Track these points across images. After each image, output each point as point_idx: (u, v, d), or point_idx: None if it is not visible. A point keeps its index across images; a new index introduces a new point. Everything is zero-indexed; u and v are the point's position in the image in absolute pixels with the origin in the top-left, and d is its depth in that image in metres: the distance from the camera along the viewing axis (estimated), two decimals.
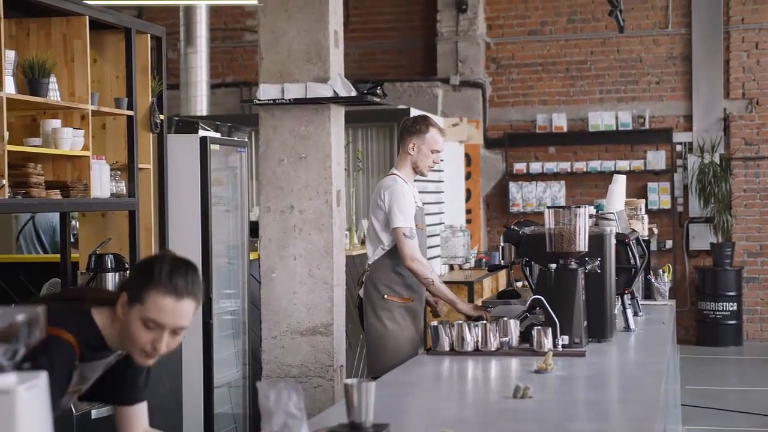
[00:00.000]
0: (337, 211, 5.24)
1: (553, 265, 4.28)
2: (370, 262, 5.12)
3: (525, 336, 4.23)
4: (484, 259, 10.23)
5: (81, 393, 2.83)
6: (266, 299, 5.26)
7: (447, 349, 4.18)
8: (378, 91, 5.28)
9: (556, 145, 12.39)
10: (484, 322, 4.24)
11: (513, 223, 5.18)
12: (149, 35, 5.92)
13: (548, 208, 4.38)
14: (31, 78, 4.91)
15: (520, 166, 12.32)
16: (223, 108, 12.12)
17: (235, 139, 7.17)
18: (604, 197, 5.96)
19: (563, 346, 4.14)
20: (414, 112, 8.05)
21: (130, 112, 5.62)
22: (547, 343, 4.10)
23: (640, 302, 5.42)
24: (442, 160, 5.35)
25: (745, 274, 11.88)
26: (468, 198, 11.60)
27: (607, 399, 3.60)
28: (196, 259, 6.04)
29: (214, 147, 6.29)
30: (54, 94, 5.03)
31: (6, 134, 4.62)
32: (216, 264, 6.35)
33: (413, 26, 12.83)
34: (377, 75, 11.97)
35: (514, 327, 4.22)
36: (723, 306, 11.59)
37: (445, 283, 5.30)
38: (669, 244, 11.99)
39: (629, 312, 4.90)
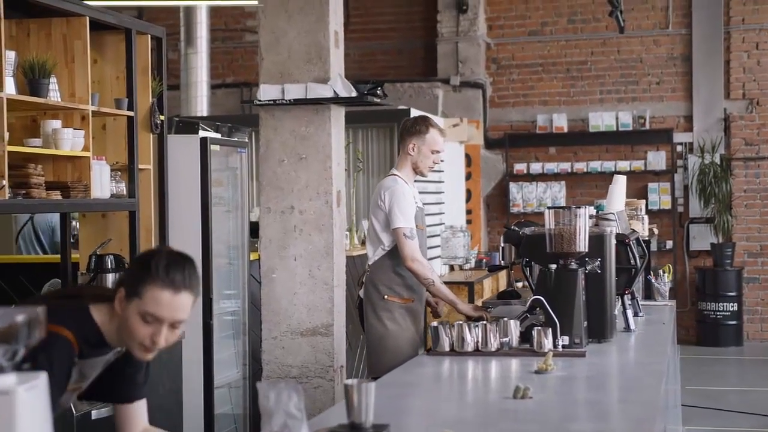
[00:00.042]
0: (337, 212, 5.24)
1: (554, 266, 4.28)
2: (370, 263, 5.12)
3: (525, 336, 4.23)
4: (484, 260, 10.23)
5: (81, 391, 2.83)
6: (266, 300, 5.26)
7: (447, 349, 4.18)
8: (378, 92, 5.28)
9: (557, 146, 12.39)
10: (485, 322, 4.24)
11: (513, 223, 5.18)
12: (149, 36, 5.92)
13: (548, 208, 4.38)
14: (32, 78, 4.91)
15: (520, 167, 12.33)
16: (223, 108, 12.12)
17: (236, 139, 7.17)
18: (605, 198, 5.96)
19: (563, 346, 4.14)
20: (414, 113, 8.06)
21: (131, 113, 5.62)
22: (547, 343, 4.10)
23: (640, 303, 5.42)
24: (442, 161, 5.35)
25: (745, 275, 11.89)
26: (468, 198, 11.60)
27: (607, 399, 3.60)
28: (197, 259, 6.02)
29: (214, 147, 6.29)
30: (54, 94, 5.04)
31: (6, 135, 4.62)
32: (216, 264, 6.35)
33: (413, 27, 12.83)
34: (377, 75, 11.97)
35: (514, 327, 4.22)
36: (723, 306, 11.59)
37: (446, 283, 5.30)
38: (669, 244, 11.99)
39: (629, 312, 4.90)
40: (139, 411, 2.95)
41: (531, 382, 3.41)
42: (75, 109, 5.21)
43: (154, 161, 5.94)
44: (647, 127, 12.11)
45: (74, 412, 4.64)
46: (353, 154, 9.13)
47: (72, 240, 5.86)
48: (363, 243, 7.41)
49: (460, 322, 4.26)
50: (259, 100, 5.21)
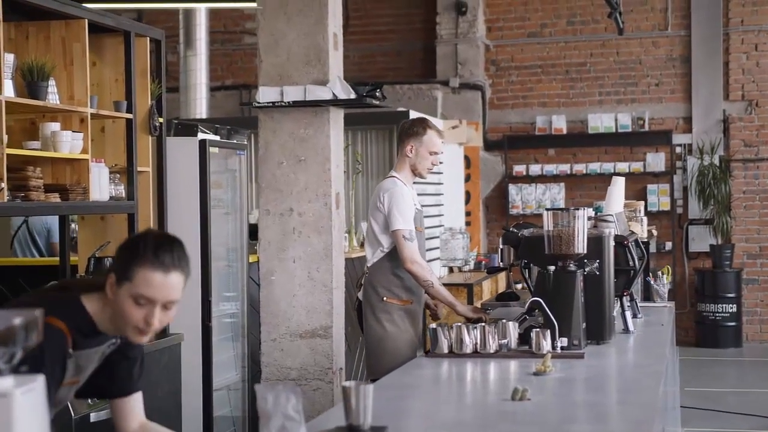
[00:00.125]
0: (336, 214, 5.25)
1: (552, 267, 4.28)
2: (369, 265, 5.12)
3: (524, 338, 4.23)
4: (483, 261, 10.23)
5: (79, 387, 2.83)
6: (265, 302, 5.26)
7: (446, 351, 4.18)
8: (377, 94, 5.28)
9: (556, 147, 12.40)
10: (483, 324, 4.24)
11: (512, 225, 5.18)
12: (148, 38, 5.92)
13: (547, 210, 4.38)
14: (30, 81, 4.91)
15: (519, 168, 12.33)
16: (222, 111, 12.13)
17: (235, 141, 7.16)
18: (604, 199, 5.96)
19: (562, 348, 4.14)
20: (413, 115, 8.06)
21: (130, 115, 5.62)
22: (546, 345, 4.10)
23: (639, 304, 5.42)
24: (441, 162, 5.36)
25: (744, 276, 11.89)
26: (467, 200, 11.60)
27: (606, 401, 3.60)
28: (196, 262, 6.04)
29: (213, 150, 6.29)
30: (53, 97, 5.04)
31: (5, 137, 4.63)
32: (215, 267, 6.35)
33: (413, 29, 12.84)
34: (377, 77, 11.97)
35: (513, 329, 4.22)
36: (722, 308, 11.59)
37: (445, 285, 5.30)
38: (668, 245, 12.00)
39: (628, 314, 4.90)
40: (135, 405, 2.96)
41: (529, 384, 3.41)
42: (74, 112, 5.22)
43: (153, 163, 5.94)
44: (646, 128, 12.12)
45: (73, 414, 4.65)
46: (352, 156, 9.13)
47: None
48: (362, 245, 7.41)
49: (459, 323, 4.26)
50: (258, 103, 5.21)
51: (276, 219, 5.24)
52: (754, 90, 12.02)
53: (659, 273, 6.38)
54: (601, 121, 12.18)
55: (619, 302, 4.87)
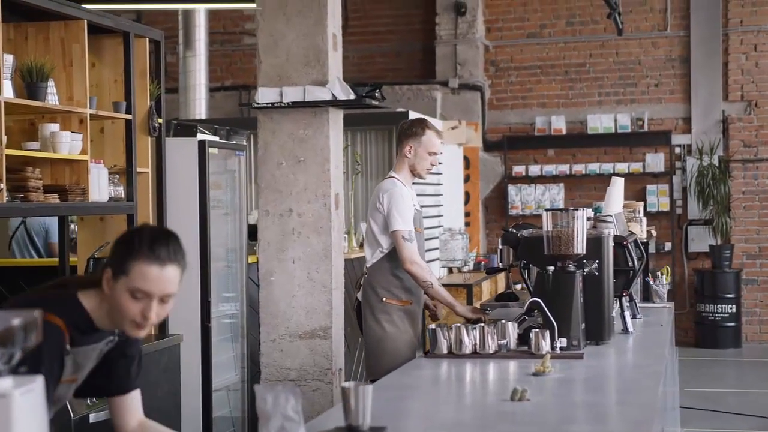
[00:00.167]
0: (335, 215, 5.25)
1: (551, 268, 4.28)
2: (368, 265, 5.13)
3: (523, 338, 4.23)
4: (482, 262, 10.24)
5: (77, 385, 2.83)
6: (265, 302, 5.26)
7: (445, 351, 4.18)
8: (376, 95, 5.29)
9: (555, 148, 12.40)
10: (483, 324, 4.24)
11: (511, 225, 5.18)
12: (148, 39, 5.92)
13: (546, 210, 4.38)
14: (30, 82, 4.91)
15: (518, 169, 12.33)
16: (221, 111, 12.13)
17: (234, 142, 7.17)
18: (603, 200, 5.96)
19: (561, 348, 4.14)
20: (413, 115, 8.06)
21: (129, 116, 5.63)
22: (545, 345, 4.10)
23: (638, 305, 5.42)
24: (440, 163, 5.36)
25: (744, 276, 11.89)
26: (467, 201, 11.60)
27: (605, 401, 3.60)
28: (195, 262, 6.04)
29: (212, 150, 6.29)
30: (52, 98, 5.04)
31: (4, 138, 4.63)
32: (215, 267, 6.35)
33: (412, 29, 12.84)
34: (376, 78, 11.97)
35: (512, 329, 4.22)
36: (722, 308, 11.59)
37: (444, 285, 5.30)
38: (668, 246, 12.00)
39: (627, 314, 4.90)
40: (134, 402, 2.96)
41: (529, 385, 3.41)
42: (73, 113, 5.22)
43: (152, 164, 5.94)
44: (646, 129, 12.12)
45: (72, 415, 4.64)
46: (351, 156, 9.13)
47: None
48: (361, 245, 7.41)
49: (458, 324, 4.26)
50: (258, 103, 5.21)
51: (275, 219, 5.24)
52: (753, 90, 12.02)
53: (658, 273, 6.38)
54: (600, 122, 12.18)
55: (618, 303, 4.87)
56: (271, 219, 5.25)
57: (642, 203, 7.12)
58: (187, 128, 6.92)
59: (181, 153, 6.15)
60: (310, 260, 5.20)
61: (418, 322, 5.17)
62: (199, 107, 10.96)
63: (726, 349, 11.51)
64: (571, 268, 4.29)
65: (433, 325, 4.28)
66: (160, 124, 5.93)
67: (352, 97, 5.14)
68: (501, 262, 4.87)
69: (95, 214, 5.60)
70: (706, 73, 12.02)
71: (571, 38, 12.41)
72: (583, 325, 4.28)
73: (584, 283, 4.33)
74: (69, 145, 5.09)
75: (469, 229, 11.31)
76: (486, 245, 12.22)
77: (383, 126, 9.76)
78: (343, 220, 5.46)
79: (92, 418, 4.77)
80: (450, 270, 9.79)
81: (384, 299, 5.05)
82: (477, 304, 7.55)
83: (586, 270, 4.38)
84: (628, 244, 4.93)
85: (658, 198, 12.01)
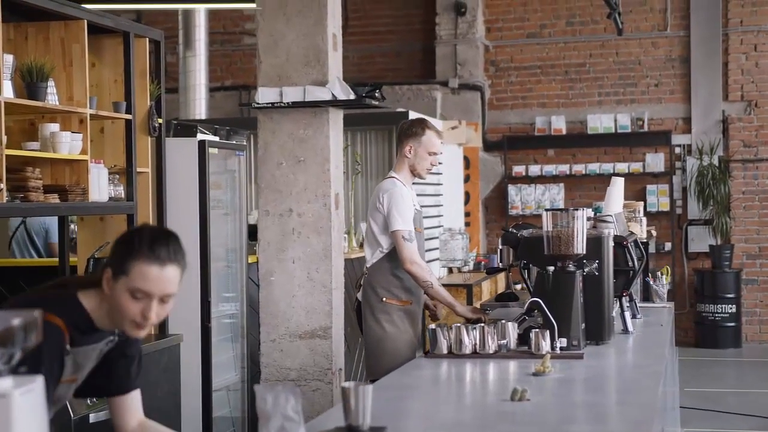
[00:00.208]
0: (335, 215, 5.25)
1: (551, 268, 4.28)
2: (368, 265, 5.13)
3: (523, 338, 4.23)
4: (482, 262, 10.24)
5: (78, 385, 2.83)
6: (265, 302, 5.26)
7: (445, 351, 4.18)
8: (376, 95, 5.29)
9: (555, 148, 12.40)
10: (483, 324, 4.24)
11: (511, 225, 5.18)
12: (148, 39, 5.92)
13: (546, 210, 4.38)
14: (30, 82, 4.91)
15: (518, 169, 12.33)
16: (221, 111, 12.13)
17: (234, 142, 7.17)
18: (603, 200, 5.96)
19: (561, 348, 4.14)
20: (413, 115, 8.06)
21: (129, 116, 5.63)
22: (545, 345, 4.10)
23: (638, 305, 5.42)
24: (440, 163, 5.36)
25: (744, 276, 11.89)
26: (467, 201, 11.61)
27: (605, 401, 3.60)
28: (195, 262, 6.04)
29: (212, 150, 6.29)
30: (52, 98, 5.04)
31: (4, 138, 4.63)
32: (215, 267, 6.35)
33: (412, 29, 12.84)
34: (376, 78, 11.97)
35: (512, 329, 4.22)
36: (722, 308, 11.59)
37: (444, 286, 5.30)
38: (668, 246, 12.00)
39: (627, 314, 4.90)
40: (134, 402, 2.96)
41: (529, 385, 3.41)
42: (73, 113, 5.22)
43: (152, 164, 5.94)
44: (646, 129, 12.12)
45: (72, 415, 4.64)
46: (352, 156, 9.13)
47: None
48: (361, 245, 7.41)
49: (458, 324, 4.26)
50: (258, 103, 5.21)
51: (275, 220, 5.24)
52: (753, 90, 12.02)
53: (658, 273, 6.38)
54: (600, 122, 12.18)
55: (618, 303, 4.87)
56: (271, 219, 5.25)
57: (642, 203, 7.12)
58: (187, 128, 6.92)
59: (181, 153, 6.15)
60: (310, 260, 5.20)
61: (418, 322, 5.17)
62: (199, 107, 10.96)
63: (726, 349, 11.51)
64: (571, 268, 4.29)
65: (433, 325, 4.28)
66: (160, 124, 5.93)
67: (352, 97, 5.14)
68: (501, 262, 4.87)
69: (95, 214, 5.60)
70: (706, 73, 12.02)
71: (571, 38, 12.41)
72: (583, 325, 4.28)
73: (584, 283, 4.33)
74: (69, 145, 5.09)
75: (469, 229, 11.32)
76: (486, 245, 12.23)
77: (383, 126, 9.77)
78: (343, 220, 5.46)
79: (92, 418, 4.76)
80: (450, 270, 9.79)
81: (384, 299, 5.05)
82: (477, 304, 7.55)
83: (586, 270, 4.38)
84: (628, 244, 4.93)
85: (658, 198, 12.01)
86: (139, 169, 5.73)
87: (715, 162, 11.78)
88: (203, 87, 11.05)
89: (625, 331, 4.85)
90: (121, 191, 5.59)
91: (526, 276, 4.71)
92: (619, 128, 12.14)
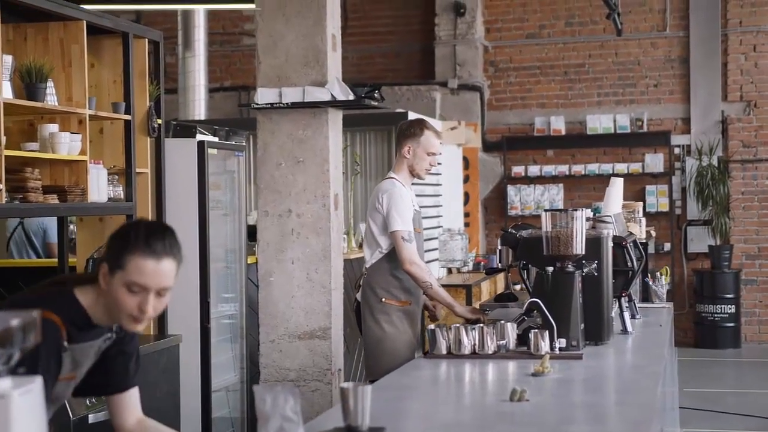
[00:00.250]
0: (334, 215, 5.25)
1: (550, 268, 4.29)
2: (367, 266, 5.13)
3: (522, 339, 4.23)
4: (481, 262, 10.23)
5: (76, 383, 2.83)
6: (264, 303, 5.26)
7: (444, 352, 4.18)
8: (376, 95, 5.28)
9: (554, 148, 12.40)
10: (482, 325, 4.25)
11: (510, 226, 5.18)
12: (147, 39, 5.92)
13: (545, 211, 4.38)
14: (29, 83, 4.91)
15: (518, 169, 12.33)
16: (221, 112, 12.13)
17: (233, 143, 7.17)
18: (602, 200, 5.97)
19: (560, 349, 4.15)
20: (412, 116, 8.06)
21: (128, 117, 5.63)
22: (544, 346, 4.10)
23: (637, 305, 5.42)
24: (439, 163, 5.36)
25: (743, 277, 11.89)
26: (466, 201, 11.61)
27: (604, 402, 3.60)
28: (194, 263, 6.05)
29: (211, 151, 6.29)
30: (51, 98, 5.04)
31: (3, 139, 4.63)
32: (214, 268, 6.35)
33: (411, 30, 12.84)
34: (375, 79, 11.97)
35: (512, 330, 4.23)
36: (721, 308, 11.59)
37: (443, 286, 5.30)
38: (667, 246, 12.00)
39: (626, 315, 4.90)
40: (132, 400, 2.97)
41: (528, 385, 3.41)
42: (72, 113, 5.22)
43: (151, 165, 5.94)
44: (645, 129, 12.13)
45: (71, 415, 4.64)
46: (351, 157, 9.13)
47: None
48: (360, 246, 7.41)
49: (458, 324, 4.26)
50: (257, 104, 5.21)
51: (274, 220, 5.24)
52: (752, 91, 12.02)
53: (658, 274, 6.38)
54: (599, 122, 12.18)
55: (617, 303, 4.87)
56: (270, 219, 5.25)
57: (641, 204, 7.13)
58: (186, 129, 6.92)
59: (180, 154, 6.15)
60: (310, 261, 5.20)
61: (417, 322, 5.17)
62: (199, 108, 10.96)
63: (725, 350, 11.51)
64: (570, 268, 4.29)
65: (432, 326, 4.28)
66: (159, 124, 5.93)
67: (352, 97, 5.14)
68: (500, 262, 4.87)
69: (94, 214, 5.60)
70: (705, 73, 12.03)
71: (571, 39, 12.42)
72: (582, 325, 4.28)
73: (583, 284, 4.33)
74: (68, 145, 5.09)
75: (469, 230, 11.32)
76: (485, 246, 12.23)
77: (382, 126, 9.76)
78: (342, 220, 5.46)
79: (91, 418, 4.76)
80: (449, 270, 9.78)
81: (383, 300, 5.05)
82: (476, 305, 7.54)
83: (585, 270, 4.38)
84: (627, 245, 4.94)
85: (657, 198, 12.01)
86: (138, 170, 5.73)
87: (715, 162, 11.78)
88: (202, 88, 11.05)
89: (625, 331, 4.85)
90: (120, 192, 5.59)
91: (526, 276, 4.71)
92: (619, 129, 12.15)
